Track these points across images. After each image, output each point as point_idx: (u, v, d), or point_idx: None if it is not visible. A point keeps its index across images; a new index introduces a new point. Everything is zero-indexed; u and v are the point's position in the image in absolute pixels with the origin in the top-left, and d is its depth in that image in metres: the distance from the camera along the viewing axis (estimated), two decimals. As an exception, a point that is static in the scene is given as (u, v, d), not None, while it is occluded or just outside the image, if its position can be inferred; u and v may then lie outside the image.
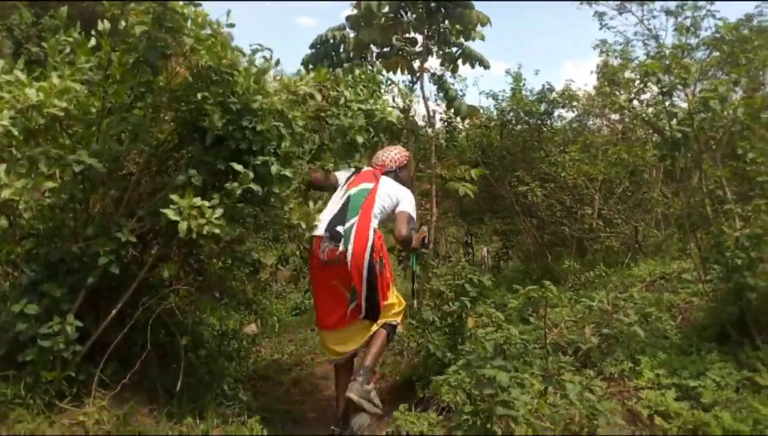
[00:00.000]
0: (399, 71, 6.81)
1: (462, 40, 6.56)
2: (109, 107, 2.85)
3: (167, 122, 3.18)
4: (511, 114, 7.64)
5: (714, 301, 3.77)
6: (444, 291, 3.90)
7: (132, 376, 2.87)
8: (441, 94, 7.26)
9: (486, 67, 6.79)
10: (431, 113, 6.77)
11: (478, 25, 6.23)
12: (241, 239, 3.25)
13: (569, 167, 6.73)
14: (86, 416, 2.63)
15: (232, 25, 2.85)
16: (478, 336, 3.01)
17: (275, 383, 4.67)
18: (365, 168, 3.84)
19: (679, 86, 3.86)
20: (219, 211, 2.65)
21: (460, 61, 6.78)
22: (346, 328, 3.48)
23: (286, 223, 3.25)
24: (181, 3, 2.66)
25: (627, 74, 6.21)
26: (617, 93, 6.12)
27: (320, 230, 3.43)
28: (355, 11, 6.38)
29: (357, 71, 4.11)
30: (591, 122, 8.22)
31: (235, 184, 2.80)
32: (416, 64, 6.68)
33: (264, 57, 3.08)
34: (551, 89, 7.35)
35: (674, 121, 3.79)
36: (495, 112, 8.02)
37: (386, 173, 3.79)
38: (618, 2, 5.90)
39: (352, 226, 3.38)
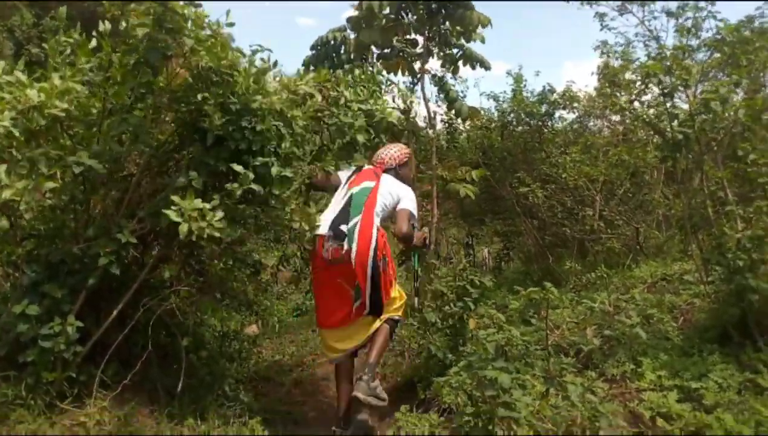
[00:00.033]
0: (400, 72, 6.82)
1: (463, 41, 6.56)
2: (109, 108, 2.85)
3: (168, 123, 3.18)
4: (512, 115, 7.64)
5: (716, 302, 3.77)
6: (445, 292, 3.89)
7: (133, 377, 2.87)
8: (442, 96, 7.28)
9: (487, 68, 6.80)
10: (432, 115, 6.78)
11: (479, 27, 6.24)
12: (242, 239, 3.25)
13: (570, 168, 6.73)
14: (87, 417, 2.62)
15: (231, 25, 2.85)
16: (479, 337, 3.00)
17: (276, 384, 4.66)
18: (366, 166, 3.85)
19: (680, 87, 3.85)
20: (219, 215, 2.65)
21: (460, 63, 6.79)
22: (349, 325, 3.49)
23: (287, 224, 3.25)
24: (181, 3, 2.66)
25: (627, 75, 6.22)
26: (618, 94, 6.12)
27: (323, 230, 3.44)
28: (355, 12, 6.39)
29: (357, 71, 4.11)
30: (592, 123, 8.22)
31: (235, 185, 2.80)
32: (417, 65, 6.69)
33: (262, 59, 3.09)
34: (552, 90, 7.36)
35: (675, 123, 3.78)
36: (496, 114, 8.03)
37: (386, 171, 3.81)
38: (619, 3, 5.91)
39: (355, 225, 3.39)
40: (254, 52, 3.04)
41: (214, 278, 3.69)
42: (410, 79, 7.00)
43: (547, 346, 3.20)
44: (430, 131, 6.95)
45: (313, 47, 7.39)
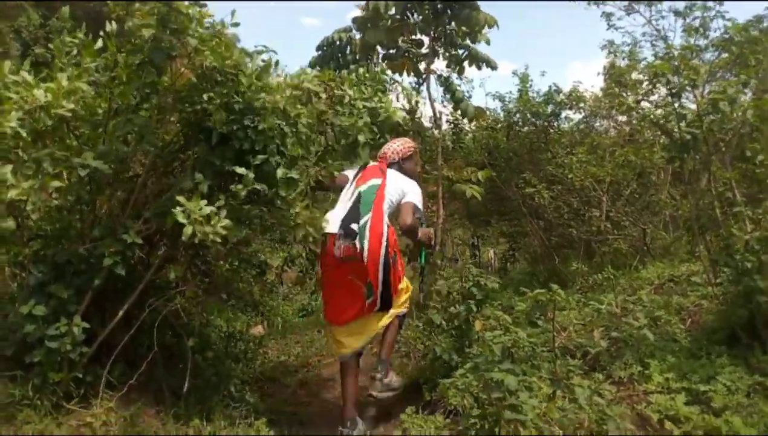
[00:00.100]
0: (405, 73, 6.81)
1: (468, 42, 6.54)
2: (115, 108, 2.86)
3: (173, 123, 3.18)
4: (518, 115, 7.62)
5: (724, 304, 3.74)
6: (451, 293, 3.89)
7: (139, 377, 2.87)
8: (447, 96, 7.25)
9: (493, 67, 6.78)
10: (438, 115, 6.76)
11: (485, 27, 6.21)
12: (247, 240, 3.26)
13: (576, 169, 6.70)
14: (93, 418, 2.62)
15: (236, 25, 2.85)
16: (485, 339, 3.00)
17: (282, 385, 4.66)
18: (371, 163, 3.86)
19: (688, 88, 3.83)
20: (225, 222, 2.64)
21: (466, 63, 6.77)
22: (358, 321, 3.55)
23: (293, 224, 3.26)
24: (186, 3, 2.66)
25: (634, 75, 6.18)
26: (625, 94, 6.08)
27: (334, 228, 3.47)
28: (361, 13, 6.38)
29: (361, 70, 4.11)
30: (598, 124, 8.17)
31: (240, 186, 2.79)
32: (422, 65, 6.68)
33: (263, 60, 3.08)
34: (558, 90, 7.33)
35: (683, 123, 3.76)
36: (502, 114, 8.02)
37: (390, 165, 3.82)
38: (626, 3, 5.88)
39: (366, 222, 3.43)
40: (259, 53, 3.04)
41: (220, 278, 3.70)
42: (416, 79, 6.99)
43: (554, 348, 3.18)
44: (436, 132, 6.93)
45: (318, 48, 7.40)
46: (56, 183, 2.59)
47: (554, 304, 2.82)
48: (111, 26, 2.80)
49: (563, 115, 7.61)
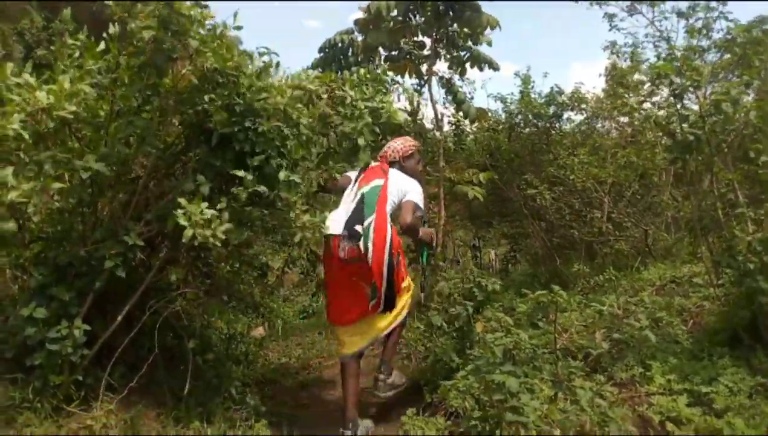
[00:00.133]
0: (407, 74, 6.81)
1: (470, 43, 6.54)
2: (117, 111, 2.85)
3: (174, 125, 3.19)
4: (520, 117, 7.62)
5: (726, 305, 3.73)
6: (452, 294, 3.88)
7: (139, 379, 2.87)
8: (449, 98, 7.26)
9: (495, 68, 6.78)
10: (439, 116, 6.76)
11: (487, 28, 6.21)
12: (248, 242, 3.25)
13: (578, 170, 6.69)
14: (94, 420, 2.63)
15: (239, 28, 2.85)
16: (486, 341, 2.99)
17: (283, 387, 4.66)
18: (372, 163, 3.86)
19: (690, 89, 3.82)
20: (226, 226, 2.64)
21: (468, 64, 6.77)
22: (362, 321, 3.55)
23: (294, 228, 3.25)
24: (187, 4, 2.65)
25: (636, 76, 6.18)
26: (627, 95, 6.08)
27: (338, 230, 3.46)
28: (363, 14, 6.39)
29: (362, 70, 4.10)
30: (600, 125, 8.17)
31: (241, 188, 2.79)
32: (424, 67, 6.68)
33: (263, 61, 3.08)
34: (560, 92, 7.32)
35: (686, 124, 3.75)
36: (503, 115, 8.01)
37: (391, 164, 3.82)
38: (628, 3, 5.88)
39: (370, 224, 3.43)
40: (261, 55, 3.04)
41: (221, 280, 3.70)
42: (418, 81, 6.99)
43: (556, 349, 3.18)
44: (438, 133, 6.93)
45: (320, 50, 7.41)
46: (58, 185, 2.59)
47: (556, 305, 2.82)
48: (113, 28, 2.80)
49: (565, 116, 7.62)
